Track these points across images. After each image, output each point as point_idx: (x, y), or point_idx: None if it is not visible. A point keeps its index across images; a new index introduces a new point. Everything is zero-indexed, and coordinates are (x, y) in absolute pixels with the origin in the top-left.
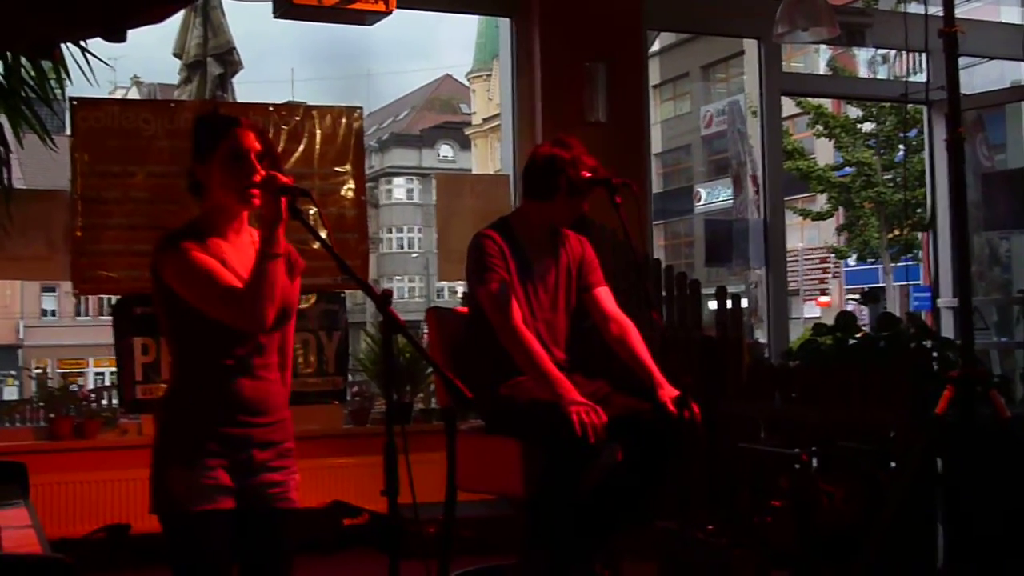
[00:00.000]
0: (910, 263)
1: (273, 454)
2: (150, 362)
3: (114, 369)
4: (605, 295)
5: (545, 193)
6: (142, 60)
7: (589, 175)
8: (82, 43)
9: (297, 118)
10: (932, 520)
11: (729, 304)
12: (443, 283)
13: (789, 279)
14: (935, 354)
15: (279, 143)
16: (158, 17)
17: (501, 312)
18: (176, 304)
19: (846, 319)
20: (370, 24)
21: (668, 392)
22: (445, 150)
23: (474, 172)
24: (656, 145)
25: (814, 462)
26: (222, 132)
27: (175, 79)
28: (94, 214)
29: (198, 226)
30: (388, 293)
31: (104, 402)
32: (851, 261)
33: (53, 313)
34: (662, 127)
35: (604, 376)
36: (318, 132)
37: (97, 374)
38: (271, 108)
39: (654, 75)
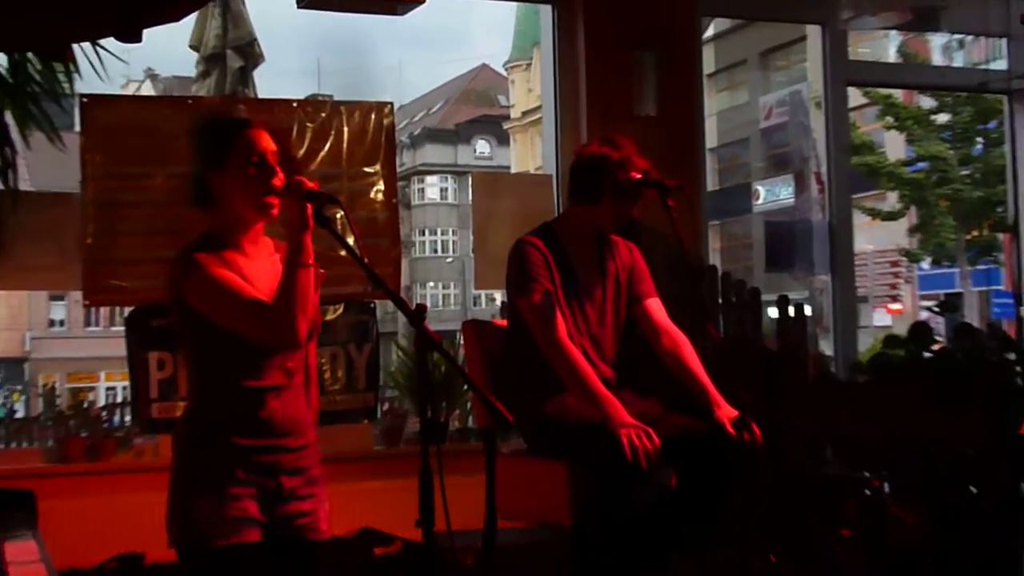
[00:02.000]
0: (990, 267)
1: (302, 481)
2: (167, 378)
3: (127, 383)
4: (656, 307)
5: (592, 196)
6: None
7: (639, 177)
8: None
9: (323, 115)
10: (1015, 550)
11: (792, 313)
12: (480, 291)
13: (857, 285)
14: (1018, 368)
15: (304, 142)
16: (175, 16)
17: (544, 325)
18: (201, 324)
19: (920, 330)
20: (401, 14)
21: (726, 411)
22: (482, 146)
23: (513, 170)
24: (711, 139)
25: (885, 487)
26: (234, 135)
27: (192, 72)
28: (108, 219)
29: (213, 240)
30: (422, 309)
31: (117, 420)
32: (925, 265)
33: (62, 323)
34: (717, 119)
35: (656, 395)
36: (346, 130)
37: (108, 389)
38: (295, 104)
39: (708, 63)
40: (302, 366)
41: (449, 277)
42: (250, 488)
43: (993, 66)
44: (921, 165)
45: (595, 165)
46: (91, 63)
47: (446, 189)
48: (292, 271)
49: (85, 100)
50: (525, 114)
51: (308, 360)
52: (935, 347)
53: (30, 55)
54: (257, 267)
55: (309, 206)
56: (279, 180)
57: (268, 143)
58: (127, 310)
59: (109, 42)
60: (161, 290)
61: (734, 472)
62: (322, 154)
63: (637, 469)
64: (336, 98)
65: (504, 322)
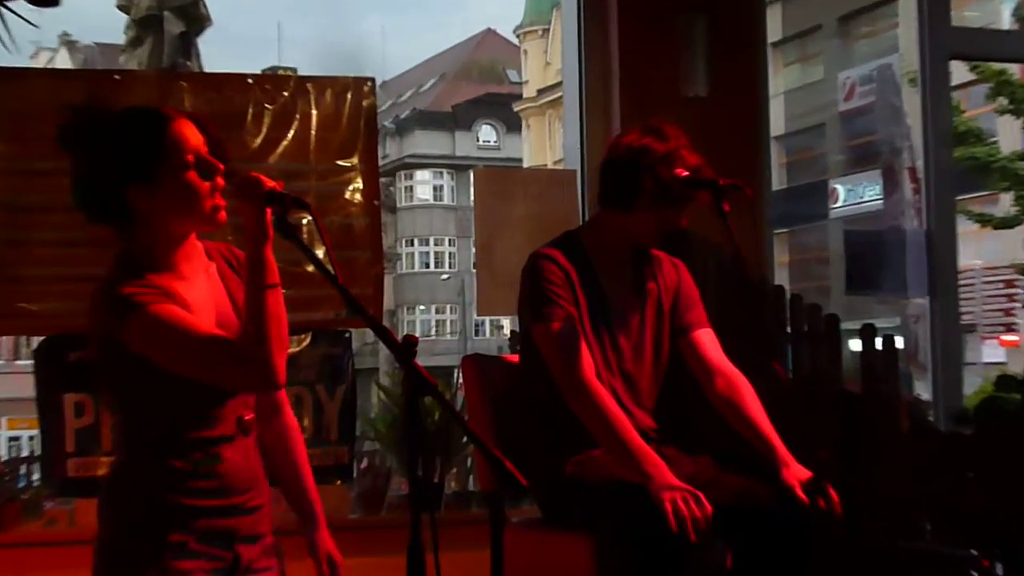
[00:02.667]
0: None
1: (259, 551)
2: (86, 426)
3: (35, 432)
4: (708, 339)
5: (627, 200)
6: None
7: (687, 175)
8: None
9: (286, 94)
10: None
11: (879, 346)
12: (484, 317)
13: (962, 310)
14: None
15: (261, 129)
16: None
17: (566, 362)
18: (140, 369)
19: None
20: None
21: (795, 472)
22: (487, 133)
23: (526, 164)
24: (777, 125)
25: (998, 568)
26: (159, 134)
27: (120, 39)
28: (13, 226)
29: (138, 263)
30: (412, 341)
31: (22, 479)
32: None
33: None
34: (785, 101)
35: (707, 451)
36: (314, 113)
37: (11, 440)
38: (250, 80)
39: (773, 30)
40: (253, 401)
41: (444, 299)
42: (201, 561)
43: None
44: None
45: (632, 160)
46: None
47: (441, 188)
48: (258, 296)
49: None
50: (541, 93)
51: (279, 402)
52: None
53: None
54: (197, 291)
55: (269, 210)
56: (221, 178)
57: (196, 135)
58: (36, 340)
59: (17, 3)
60: (81, 316)
61: (804, 549)
62: (284, 144)
63: (684, 543)
64: (302, 72)
65: (515, 357)
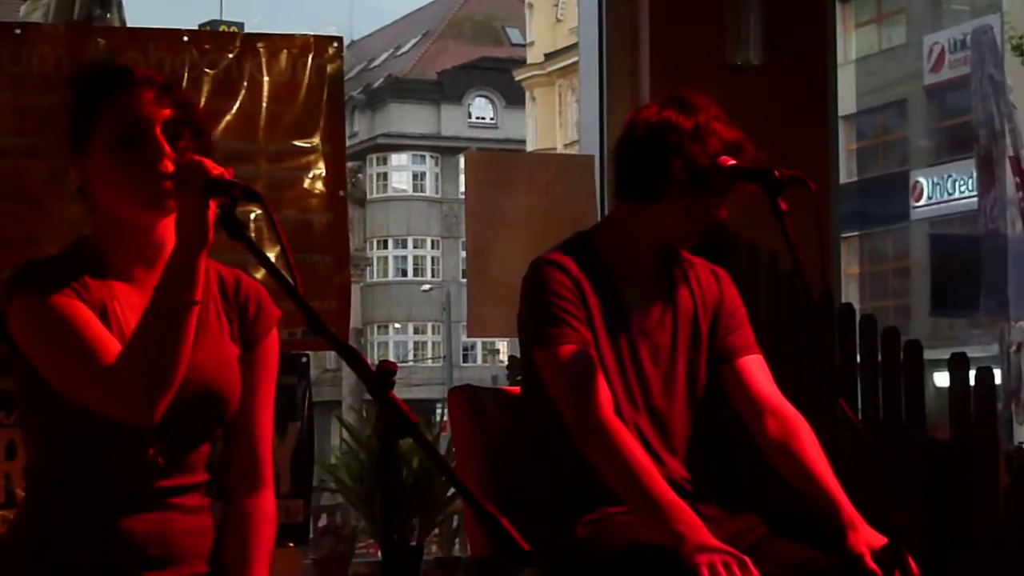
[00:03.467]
0: None
1: None
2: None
3: None
4: (757, 368)
5: (649, 189)
6: None
7: (732, 163)
8: None
9: (230, 55)
10: None
11: (973, 381)
12: (476, 338)
13: None
14: None
15: (199, 96)
16: None
17: (578, 396)
18: (30, 377)
19: None
20: None
21: (865, 537)
22: (480, 107)
23: (531, 147)
24: (846, 103)
25: None
26: (101, 97)
27: None
28: None
29: (84, 253)
30: (390, 369)
31: None
32: None
33: None
34: (856, 71)
35: (755, 508)
36: (266, 80)
37: None
38: (186, 38)
39: None
40: (204, 458)
41: (425, 316)
42: None
43: None
44: None
45: (654, 139)
46: None
47: (422, 175)
48: (161, 312)
49: None
50: (550, 58)
51: (249, 444)
52: None
53: None
54: (144, 300)
55: (213, 203)
56: (169, 162)
57: (154, 107)
58: None
59: None
60: None
61: None
62: (227, 118)
63: None
64: (249, 29)
65: (515, 389)
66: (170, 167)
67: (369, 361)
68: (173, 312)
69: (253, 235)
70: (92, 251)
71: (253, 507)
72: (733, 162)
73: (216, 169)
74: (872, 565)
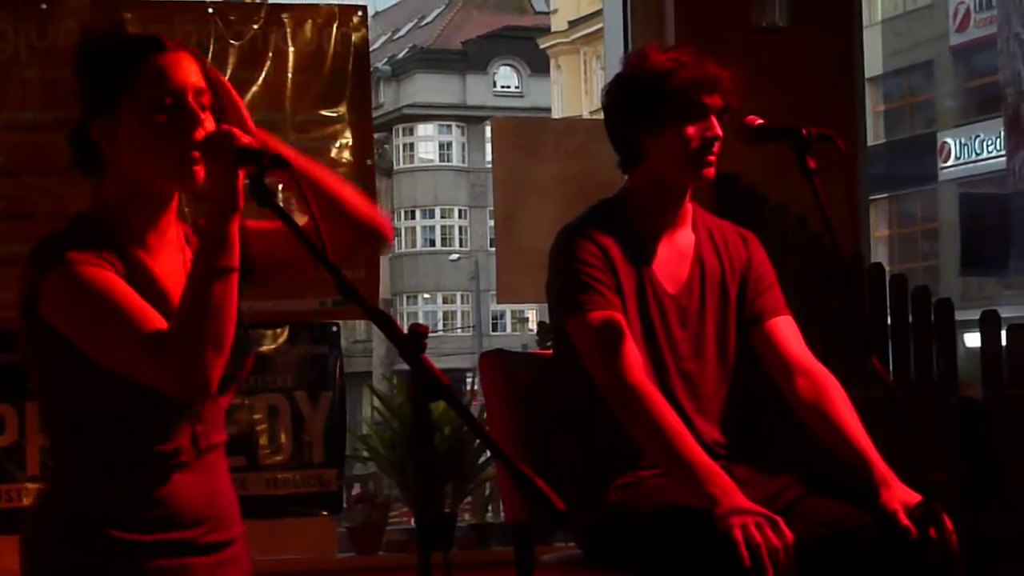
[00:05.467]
0: None
1: None
2: (7, 445)
3: None
4: (787, 329)
5: (633, 139)
6: None
7: (760, 122)
8: None
9: (255, 25)
10: None
11: (1004, 340)
12: (504, 306)
13: None
14: None
15: (225, 68)
16: None
17: (608, 360)
18: (63, 355)
19: None
20: None
21: (899, 495)
22: (506, 75)
23: (556, 114)
24: (872, 65)
25: None
26: (136, 63)
27: None
28: None
29: (95, 226)
30: (422, 331)
31: None
32: None
33: None
34: (882, 32)
35: (789, 468)
36: (291, 49)
37: None
38: (211, 9)
39: None
40: (223, 419)
41: (453, 285)
42: None
43: None
44: None
45: (622, 92)
46: None
47: (448, 145)
48: (205, 279)
49: None
50: (574, 25)
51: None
52: None
53: None
54: (165, 268)
55: (242, 172)
56: (203, 130)
57: (189, 74)
58: None
59: None
60: (3, 308)
61: None
62: (254, 89)
63: None
64: (274, 0)
65: (545, 352)
66: (203, 136)
67: (401, 326)
68: (215, 280)
69: (284, 204)
70: (106, 223)
71: None
72: (760, 121)
73: (245, 138)
74: (905, 521)
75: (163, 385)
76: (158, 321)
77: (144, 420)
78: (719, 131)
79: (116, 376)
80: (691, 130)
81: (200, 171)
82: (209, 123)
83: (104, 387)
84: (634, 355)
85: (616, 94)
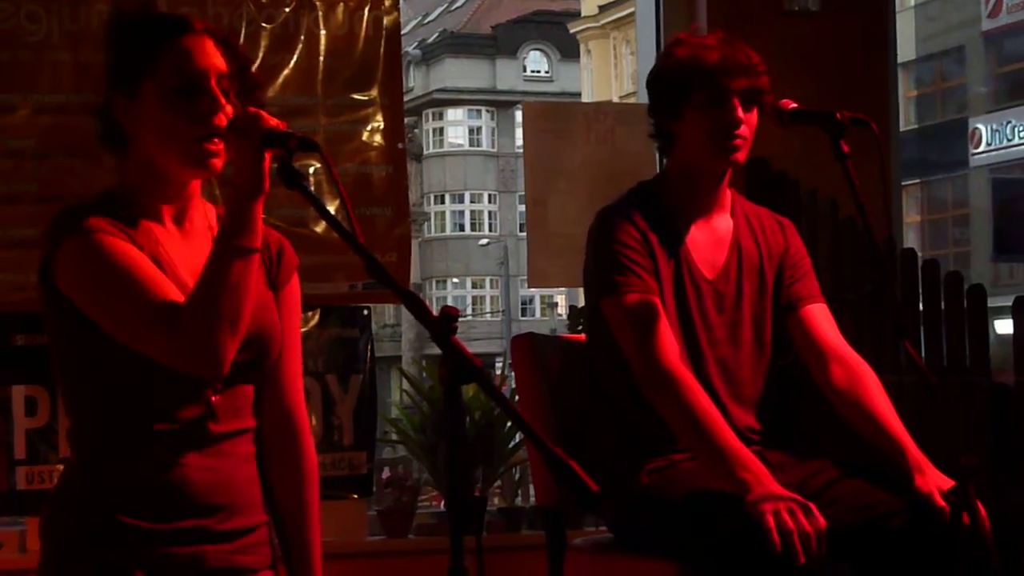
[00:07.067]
0: None
1: None
2: (40, 427)
3: None
4: (822, 316)
5: (666, 124)
6: None
7: (794, 105)
8: None
9: (287, 10)
10: None
11: None
12: (535, 290)
13: None
14: None
15: (257, 52)
16: None
17: (643, 343)
18: (77, 327)
19: None
20: None
21: (933, 480)
22: (536, 61)
23: (586, 98)
24: (904, 50)
25: None
26: (159, 43)
27: None
28: None
29: (118, 202)
30: (453, 314)
31: None
32: None
33: None
34: (915, 17)
35: (823, 454)
36: (323, 34)
37: None
38: None
39: None
40: (250, 403)
41: (483, 270)
42: None
43: None
44: None
45: (658, 77)
46: None
47: (478, 129)
48: (225, 258)
49: None
50: (604, 10)
51: (287, 388)
52: None
53: None
54: (187, 248)
55: (268, 155)
56: (224, 116)
57: (213, 58)
58: None
59: None
60: (31, 289)
61: (944, 572)
62: (285, 72)
63: (790, 566)
64: None
65: (577, 336)
66: (223, 121)
67: (432, 309)
68: (234, 259)
69: (314, 187)
70: (129, 200)
71: (297, 457)
72: (795, 105)
73: (272, 121)
74: (940, 503)
75: (173, 358)
76: (173, 293)
77: (157, 399)
78: (740, 115)
79: (129, 352)
80: (712, 114)
81: (216, 162)
82: (231, 109)
83: (116, 364)
84: (669, 339)
85: (649, 81)
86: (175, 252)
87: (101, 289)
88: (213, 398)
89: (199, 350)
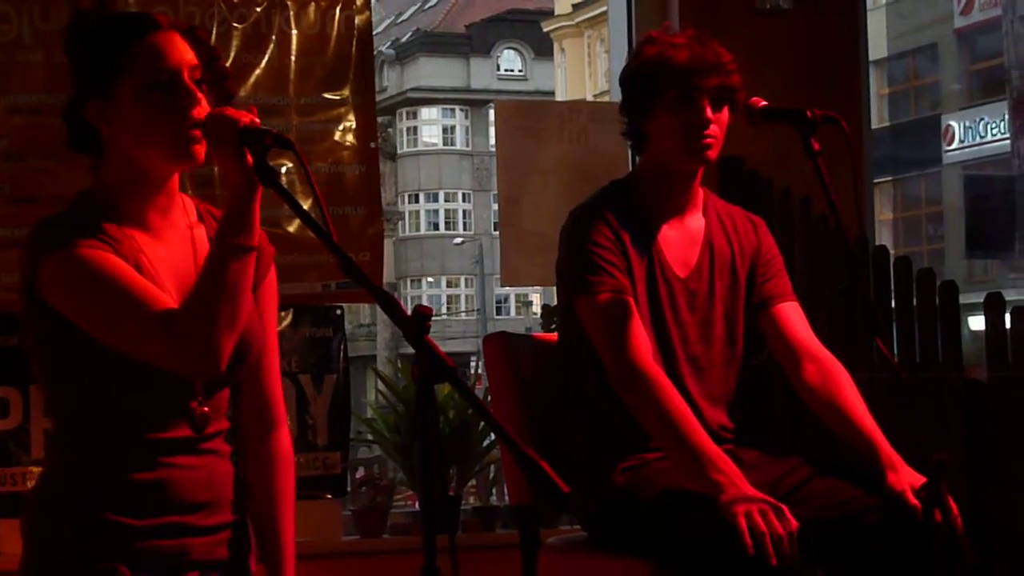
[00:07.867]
0: None
1: None
2: (12, 429)
3: None
4: (794, 315)
5: (637, 123)
6: None
7: (763, 103)
8: None
9: (259, 9)
10: None
11: (1009, 323)
12: (508, 290)
13: None
14: None
15: (228, 51)
16: None
17: (615, 342)
18: (62, 340)
19: None
20: None
21: (906, 477)
22: (509, 59)
23: (560, 97)
24: (876, 47)
25: None
26: (128, 43)
27: None
28: None
29: (96, 205)
30: (426, 313)
31: None
32: None
33: None
34: (887, 15)
35: (796, 451)
36: (294, 33)
37: None
38: None
39: None
40: (226, 403)
41: (458, 269)
42: None
43: None
44: None
45: (629, 75)
46: None
47: (452, 128)
48: (220, 255)
49: None
50: (578, 8)
51: (265, 385)
52: None
53: None
54: (167, 250)
55: (248, 151)
56: (203, 108)
57: (183, 52)
58: None
59: None
60: (6, 291)
61: (917, 570)
62: (257, 72)
63: (762, 567)
64: None
65: (548, 336)
66: (201, 114)
67: (405, 307)
68: (231, 258)
69: (287, 185)
70: (105, 202)
71: (273, 448)
72: (765, 103)
73: (242, 116)
74: (913, 502)
75: (172, 361)
76: (163, 299)
77: (146, 404)
78: (710, 114)
79: (117, 358)
80: (682, 114)
81: (199, 149)
82: (206, 100)
83: (105, 370)
84: (642, 338)
85: (621, 80)
86: (156, 257)
87: (92, 302)
88: (202, 413)
89: (197, 350)
